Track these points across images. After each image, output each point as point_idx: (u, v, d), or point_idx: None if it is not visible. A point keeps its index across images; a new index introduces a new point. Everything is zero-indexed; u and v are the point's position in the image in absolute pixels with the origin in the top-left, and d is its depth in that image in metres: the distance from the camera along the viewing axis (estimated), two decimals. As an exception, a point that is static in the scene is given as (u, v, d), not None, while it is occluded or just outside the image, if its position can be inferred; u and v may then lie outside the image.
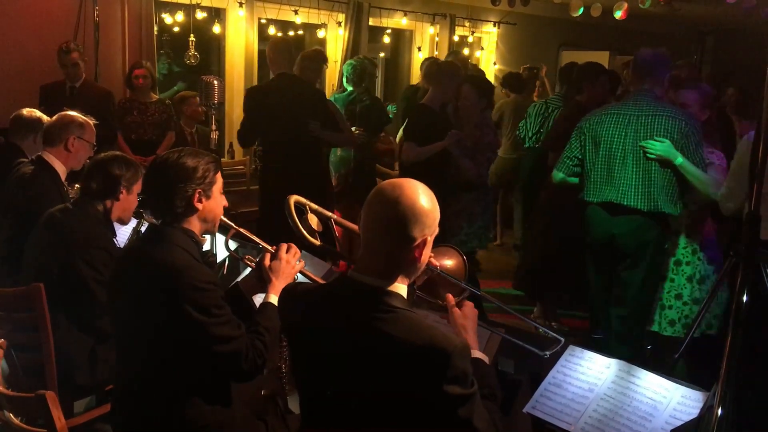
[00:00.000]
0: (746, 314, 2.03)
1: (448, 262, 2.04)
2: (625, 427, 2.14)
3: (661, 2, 6.87)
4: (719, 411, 1.92)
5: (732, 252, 2.10)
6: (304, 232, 2.15)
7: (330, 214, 2.26)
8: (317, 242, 2.19)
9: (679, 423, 2.06)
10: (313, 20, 7.13)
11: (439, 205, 1.69)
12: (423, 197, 1.63)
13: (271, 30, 6.79)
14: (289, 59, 4.57)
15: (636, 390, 2.21)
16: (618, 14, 7.62)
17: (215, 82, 3.86)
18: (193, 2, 6.08)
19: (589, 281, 3.73)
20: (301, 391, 1.78)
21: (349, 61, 5.64)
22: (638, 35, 9.93)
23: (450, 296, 1.93)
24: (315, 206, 2.24)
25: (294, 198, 2.20)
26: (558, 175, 3.69)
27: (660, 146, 3.25)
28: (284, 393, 2.43)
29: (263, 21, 6.79)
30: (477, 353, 1.87)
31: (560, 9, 8.30)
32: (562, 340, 2.09)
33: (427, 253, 1.68)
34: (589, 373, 2.32)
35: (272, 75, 4.69)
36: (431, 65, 4.72)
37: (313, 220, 2.23)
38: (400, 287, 1.66)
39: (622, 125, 3.42)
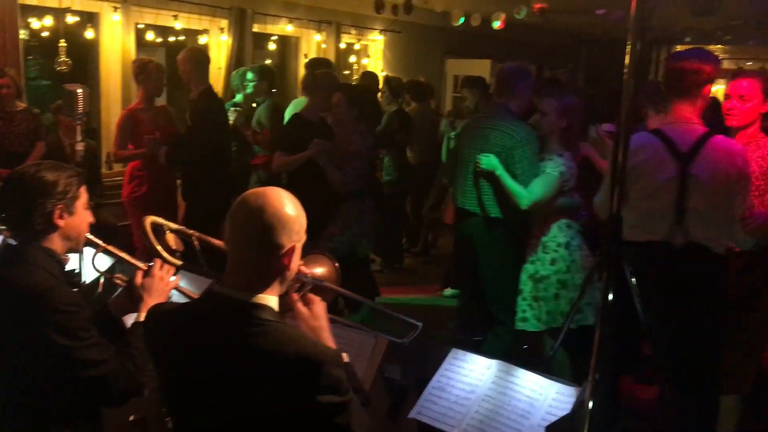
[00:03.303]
0: (613, 311, 2.14)
1: (319, 270, 2.02)
2: (505, 426, 2.20)
3: (535, 13, 7.18)
4: (590, 405, 2.00)
5: (597, 252, 2.20)
6: (164, 253, 2.07)
7: (191, 232, 2.18)
8: (178, 262, 2.12)
9: (554, 419, 2.13)
10: (194, 26, 6.95)
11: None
12: (288, 204, 1.62)
13: (150, 35, 6.56)
14: (206, 72, 4.79)
15: (514, 389, 2.27)
16: (496, 24, 7.92)
17: (79, 90, 3.56)
18: (63, 6, 5.76)
19: (460, 285, 3.90)
20: (173, 416, 1.70)
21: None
22: (518, 44, 10.36)
23: (293, 294, 1.85)
24: (175, 225, 2.17)
25: (150, 219, 2.12)
26: (443, 181, 3.91)
27: (485, 160, 3.56)
28: (163, 416, 2.32)
29: (141, 26, 6.54)
30: None
31: (443, 18, 8.51)
32: (419, 325, 2.12)
33: (296, 261, 1.66)
34: (471, 375, 2.37)
35: (193, 90, 4.77)
36: (308, 76, 4.74)
37: (173, 240, 2.16)
38: (271, 299, 1.62)
39: (470, 136, 3.78)
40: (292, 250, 1.62)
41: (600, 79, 9.80)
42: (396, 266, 6.54)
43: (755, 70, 12.83)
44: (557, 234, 3.60)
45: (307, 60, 7.38)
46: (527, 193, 3.51)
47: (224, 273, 1.65)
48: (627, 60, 2.12)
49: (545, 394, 2.22)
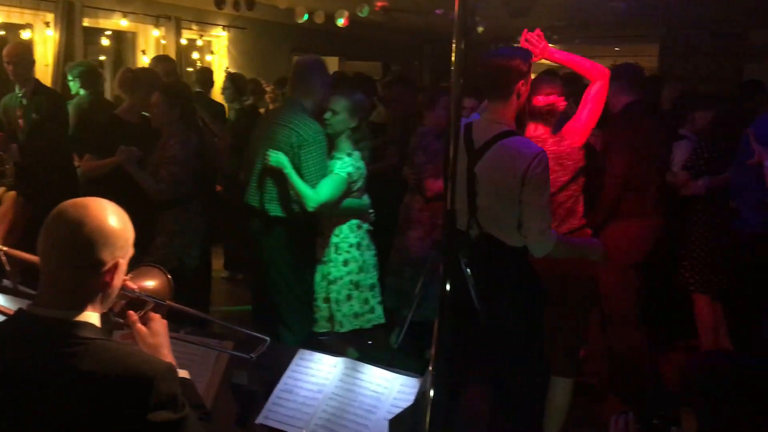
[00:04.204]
0: (451, 302, 2.21)
1: (150, 283, 1.91)
2: (351, 423, 2.20)
3: (378, 11, 7.30)
4: (431, 394, 2.06)
5: (434, 246, 2.26)
6: None
7: None
8: None
9: (399, 411, 2.17)
10: (15, 20, 6.44)
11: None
12: (112, 217, 1.51)
13: (-38, 30, 5.98)
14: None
15: (360, 385, 2.28)
16: (340, 21, 7.95)
17: None
18: None
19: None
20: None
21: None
22: (365, 42, 10.50)
23: (131, 313, 1.75)
24: None
25: None
26: (240, 177, 3.95)
27: (274, 156, 3.49)
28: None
29: (-49, 19, 5.95)
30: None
31: (287, 14, 8.45)
32: (267, 339, 2.09)
33: (120, 277, 1.55)
34: (318, 374, 2.35)
35: (19, 86, 4.61)
36: (125, 72, 4.48)
37: None
38: (92, 316, 1.51)
39: (262, 131, 3.70)
40: (116, 266, 1.52)
41: (444, 77, 10.16)
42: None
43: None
44: (349, 235, 3.60)
45: (143, 55, 7.08)
46: (315, 195, 3.44)
47: (37, 292, 1.52)
48: (453, 58, 2.20)
49: (390, 388, 2.24)
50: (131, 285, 1.75)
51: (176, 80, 4.92)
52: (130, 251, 1.56)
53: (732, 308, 4.34)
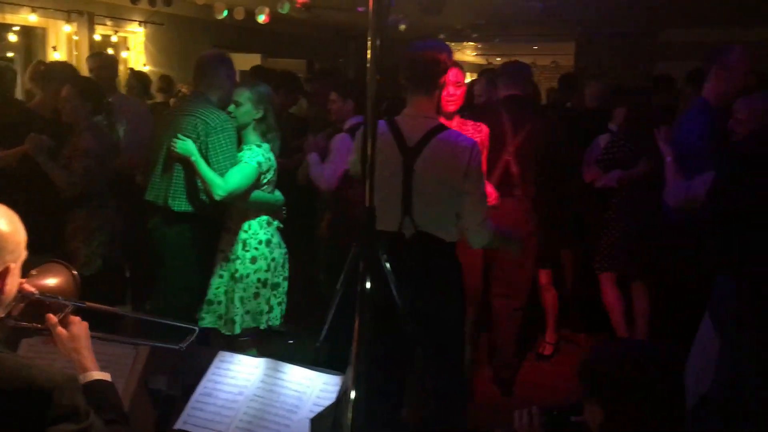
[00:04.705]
0: (371, 299, 2.21)
1: (52, 281, 1.83)
2: (273, 423, 2.18)
3: (299, 8, 7.23)
4: (353, 392, 2.06)
5: (354, 243, 2.26)
6: None
7: None
8: None
9: (321, 409, 2.16)
10: None
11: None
12: (0, 220, 1.44)
13: None
14: None
15: (282, 385, 2.26)
16: (261, 18, 7.83)
17: None
18: None
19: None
20: None
21: None
22: (288, 38, 10.40)
23: (51, 316, 1.71)
24: None
25: None
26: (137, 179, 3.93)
27: (180, 144, 3.38)
28: None
29: None
30: (97, 374, 1.72)
31: (206, 10, 8.28)
32: (196, 329, 2.05)
33: (13, 282, 1.49)
34: (239, 376, 2.32)
35: None
36: (37, 65, 4.31)
37: None
38: None
39: (166, 123, 3.59)
40: (7, 271, 1.46)
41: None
42: None
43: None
44: (258, 231, 3.48)
45: (54, 52, 6.79)
46: (223, 183, 3.33)
47: None
48: (369, 55, 2.20)
49: (313, 387, 2.23)
50: (28, 288, 1.68)
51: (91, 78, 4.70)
52: (22, 254, 1.50)
53: (657, 296, 4.47)
